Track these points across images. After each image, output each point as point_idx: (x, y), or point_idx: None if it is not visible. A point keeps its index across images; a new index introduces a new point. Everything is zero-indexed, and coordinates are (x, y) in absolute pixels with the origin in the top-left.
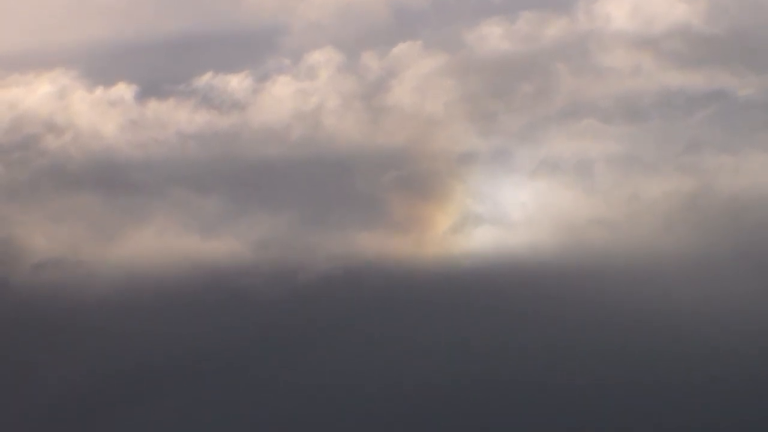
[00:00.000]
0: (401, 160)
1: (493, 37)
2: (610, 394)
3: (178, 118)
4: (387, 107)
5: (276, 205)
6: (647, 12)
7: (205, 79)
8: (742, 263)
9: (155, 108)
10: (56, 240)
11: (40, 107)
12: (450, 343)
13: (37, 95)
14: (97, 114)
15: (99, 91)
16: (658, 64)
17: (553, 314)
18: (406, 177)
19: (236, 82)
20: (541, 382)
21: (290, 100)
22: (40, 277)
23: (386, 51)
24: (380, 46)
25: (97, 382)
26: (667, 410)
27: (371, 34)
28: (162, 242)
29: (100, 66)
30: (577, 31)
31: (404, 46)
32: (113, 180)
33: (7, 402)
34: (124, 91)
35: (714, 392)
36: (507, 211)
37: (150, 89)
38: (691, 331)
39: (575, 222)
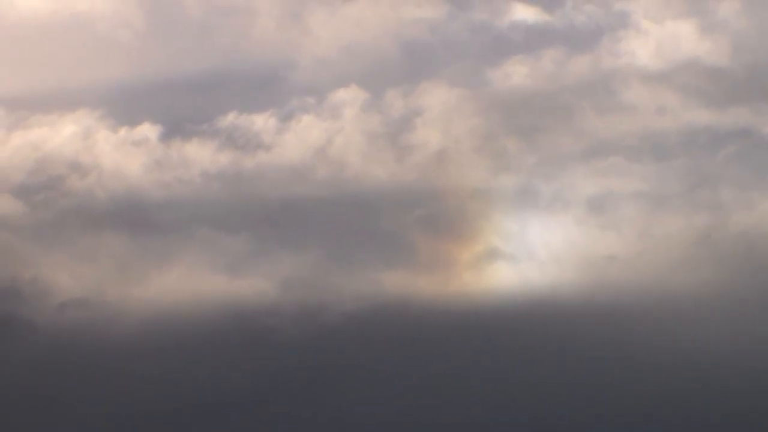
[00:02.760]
0: (426, 198)
1: (518, 75)
2: (634, 430)
3: (202, 158)
4: (411, 146)
5: (301, 244)
6: (671, 50)
7: (229, 118)
8: None
9: (179, 148)
10: (81, 280)
11: (65, 148)
12: (476, 382)
13: (61, 136)
14: (122, 154)
15: (123, 132)
16: (682, 102)
17: (579, 352)
18: (431, 215)
19: (261, 122)
20: (570, 420)
21: (314, 139)
22: (65, 317)
23: (410, 90)
24: (402, 85)
25: (122, 422)
26: None
27: (388, 71)
28: (187, 282)
29: (124, 106)
30: (601, 69)
31: (428, 84)
32: (138, 220)
33: None
34: (148, 131)
35: (731, 426)
36: (532, 249)
37: (174, 129)
38: (712, 370)
39: (601, 260)
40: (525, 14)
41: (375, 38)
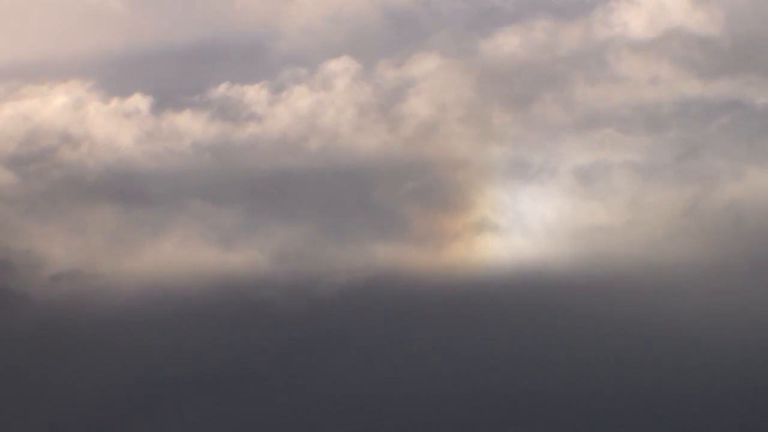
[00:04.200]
0: (418, 170)
1: (510, 45)
2: (624, 403)
3: (194, 130)
4: (403, 117)
5: (294, 216)
6: (664, 20)
7: (221, 90)
8: None
9: (171, 119)
10: (74, 252)
11: (56, 119)
12: (469, 355)
13: (52, 107)
14: (113, 125)
15: (114, 103)
16: (674, 73)
17: (571, 324)
18: (424, 188)
19: (252, 93)
20: (559, 393)
21: (306, 111)
22: (57, 289)
23: (402, 60)
24: (394, 55)
25: (115, 394)
26: (677, 418)
27: (379, 41)
28: (179, 254)
29: (115, 77)
30: (593, 40)
31: (420, 55)
32: (130, 191)
33: (23, 414)
34: (139, 102)
35: (720, 399)
36: (525, 221)
37: (165, 100)
38: (705, 341)
39: (593, 231)
40: None
41: (359, 7)
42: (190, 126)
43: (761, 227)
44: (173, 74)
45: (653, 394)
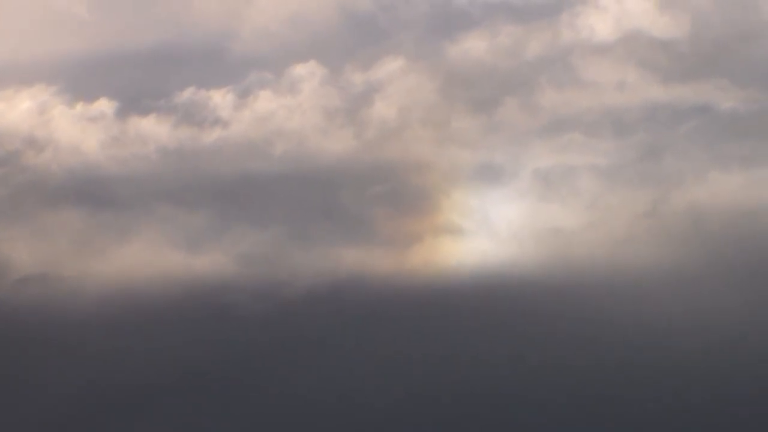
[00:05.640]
0: (385, 174)
1: (476, 50)
2: (590, 407)
3: (159, 134)
4: (370, 121)
5: (260, 220)
6: (630, 25)
7: (186, 94)
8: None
9: (136, 124)
10: (39, 256)
11: (20, 123)
12: (435, 358)
13: (16, 111)
14: (78, 130)
15: (79, 107)
16: (640, 78)
17: (538, 328)
18: (391, 192)
19: (218, 97)
20: (525, 396)
21: (272, 115)
22: (22, 293)
23: (368, 65)
24: (360, 59)
25: (80, 398)
26: (642, 419)
27: (344, 45)
28: (145, 258)
29: (80, 82)
30: (560, 44)
31: (386, 59)
32: (95, 196)
33: None
34: (104, 106)
35: (681, 399)
36: (492, 225)
37: (131, 105)
38: (666, 342)
39: (560, 236)
40: None
41: (317, 10)
42: (156, 130)
43: (721, 230)
44: (138, 79)
45: (617, 395)
